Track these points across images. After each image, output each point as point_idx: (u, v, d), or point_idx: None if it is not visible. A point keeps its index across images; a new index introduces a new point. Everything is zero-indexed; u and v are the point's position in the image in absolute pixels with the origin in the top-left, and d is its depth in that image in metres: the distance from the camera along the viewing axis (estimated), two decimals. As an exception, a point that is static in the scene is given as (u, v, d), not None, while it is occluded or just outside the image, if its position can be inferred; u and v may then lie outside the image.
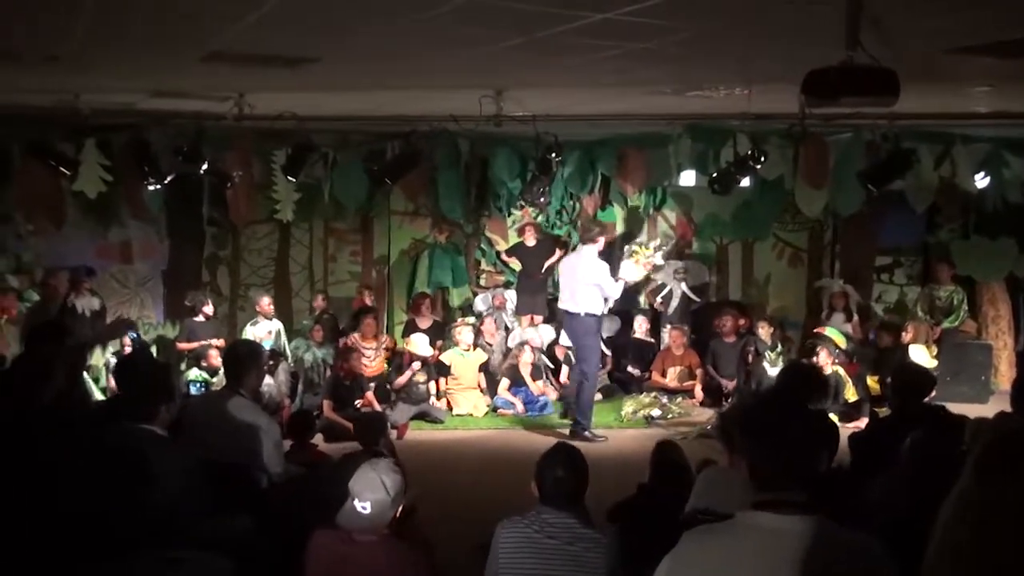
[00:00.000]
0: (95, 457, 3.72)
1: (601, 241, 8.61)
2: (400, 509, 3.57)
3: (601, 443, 8.32)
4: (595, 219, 10.45)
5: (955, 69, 5.62)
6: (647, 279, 11.47)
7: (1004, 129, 8.82)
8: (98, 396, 8.38)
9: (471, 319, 10.41)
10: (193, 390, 7.89)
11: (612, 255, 10.69)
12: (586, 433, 8.43)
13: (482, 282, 11.66)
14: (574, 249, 9.78)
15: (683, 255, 11.63)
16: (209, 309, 9.67)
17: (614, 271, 8.73)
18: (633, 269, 8.96)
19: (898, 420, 4.76)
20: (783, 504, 2.22)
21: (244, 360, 4.64)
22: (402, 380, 9.19)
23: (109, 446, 3.82)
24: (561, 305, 8.81)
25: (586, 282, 8.40)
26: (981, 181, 9.23)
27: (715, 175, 8.73)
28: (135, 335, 9.16)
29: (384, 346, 9.72)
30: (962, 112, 8.33)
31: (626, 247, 10.16)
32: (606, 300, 8.60)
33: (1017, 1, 3.87)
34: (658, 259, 9.64)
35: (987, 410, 7.70)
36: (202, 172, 8.48)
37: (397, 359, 9.63)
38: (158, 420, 3.78)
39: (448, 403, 9.54)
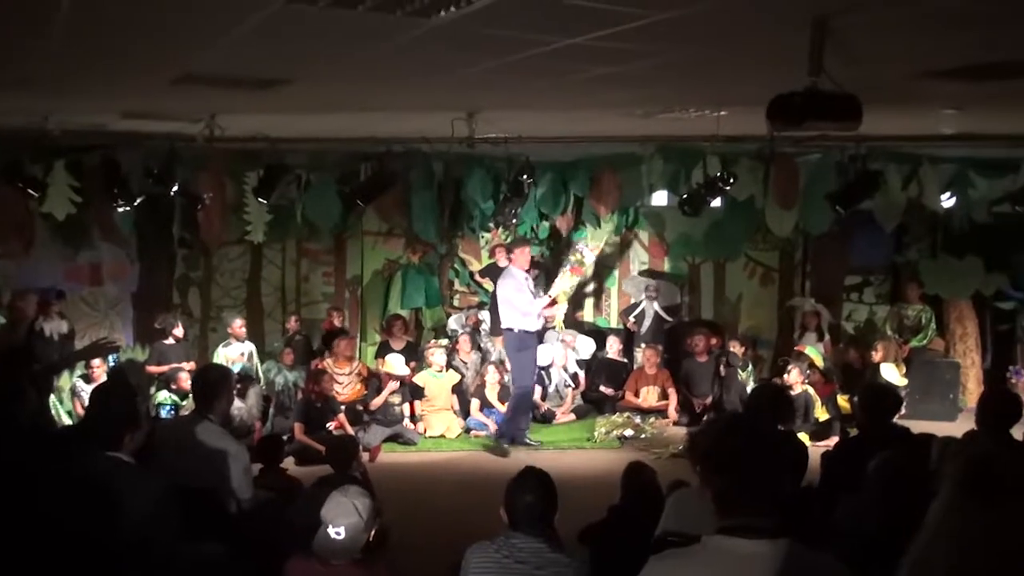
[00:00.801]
0: (63, 483, 3.66)
1: (515, 257, 8.78)
2: (373, 532, 3.57)
3: (537, 450, 8.69)
4: (518, 237, 10.52)
5: (922, 92, 5.72)
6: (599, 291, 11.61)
7: (970, 150, 8.97)
8: (65, 420, 8.26)
9: (444, 341, 10.35)
10: (163, 413, 7.78)
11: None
12: (501, 441, 8.76)
13: (455, 303, 11.65)
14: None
15: (652, 273, 11.73)
16: (179, 332, 9.57)
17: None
18: (559, 281, 9.17)
19: (866, 439, 4.79)
20: (749, 529, 2.22)
21: (213, 385, 4.60)
22: (378, 401, 9.14)
23: (77, 472, 3.77)
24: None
25: (503, 299, 8.70)
26: (947, 201, 9.36)
27: (685, 196, 8.80)
28: (115, 358, 9.02)
29: (357, 372, 9.66)
30: (929, 134, 8.48)
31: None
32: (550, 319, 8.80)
33: (982, 26, 3.94)
34: (589, 257, 9.84)
35: (956, 428, 7.78)
36: (173, 193, 8.43)
37: (375, 381, 9.57)
38: (124, 447, 3.74)
39: (422, 425, 9.50)
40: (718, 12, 3.62)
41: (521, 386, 8.84)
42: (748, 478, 2.26)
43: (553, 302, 9.51)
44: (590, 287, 12.04)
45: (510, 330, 8.74)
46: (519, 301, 8.60)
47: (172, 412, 8.14)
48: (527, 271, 8.89)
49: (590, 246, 10.40)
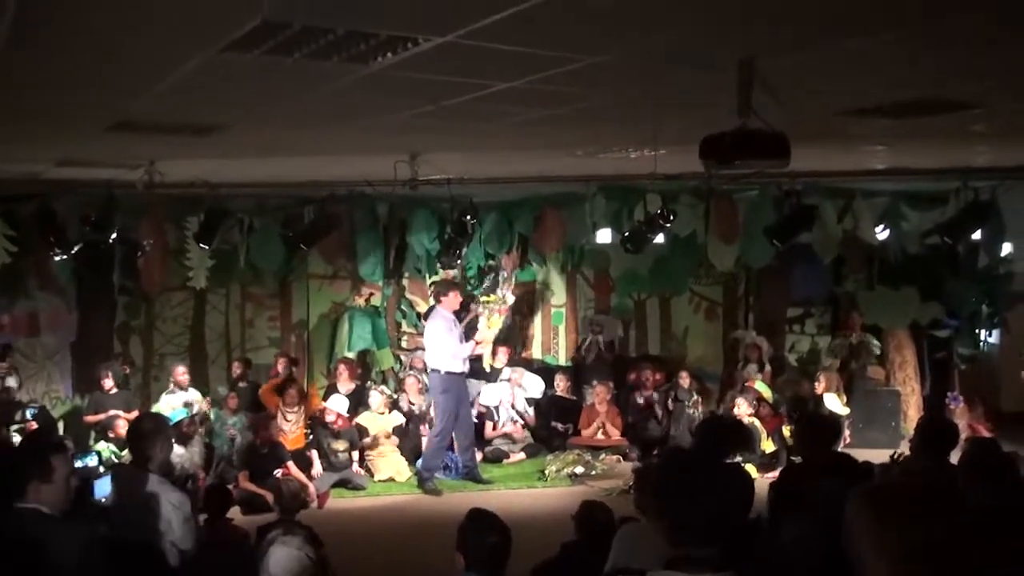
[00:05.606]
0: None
1: (448, 300, 8.92)
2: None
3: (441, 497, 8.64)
4: (449, 280, 10.38)
5: (848, 129, 5.90)
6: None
7: (900, 184, 9.24)
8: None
9: (384, 388, 10.12)
10: (78, 463, 7.01)
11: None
12: (428, 483, 8.81)
13: (403, 344, 11.58)
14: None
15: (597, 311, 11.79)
16: (108, 382, 9.32)
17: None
18: (484, 330, 9.33)
19: (808, 467, 4.86)
20: (695, 561, 2.23)
21: (148, 434, 4.48)
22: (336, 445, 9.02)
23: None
24: None
25: (431, 341, 8.92)
26: (882, 233, 9.61)
27: (627, 234, 8.89)
28: (33, 410, 8.72)
29: (301, 415, 9.53)
30: (861, 169, 8.72)
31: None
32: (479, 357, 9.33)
33: (895, 67, 4.10)
34: (510, 298, 9.97)
35: (897, 455, 7.91)
36: (112, 240, 8.29)
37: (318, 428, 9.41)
38: (30, 497, 3.58)
39: (369, 469, 9.38)
40: (647, 56, 3.71)
41: (440, 427, 8.93)
42: (690, 510, 2.28)
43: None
44: (518, 325, 12.05)
45: (436, 371, 8.90)
46: (447, 343, 8.78)
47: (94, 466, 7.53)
48: (458, 313, 9.10)
49: (507, 286, 10.43)
